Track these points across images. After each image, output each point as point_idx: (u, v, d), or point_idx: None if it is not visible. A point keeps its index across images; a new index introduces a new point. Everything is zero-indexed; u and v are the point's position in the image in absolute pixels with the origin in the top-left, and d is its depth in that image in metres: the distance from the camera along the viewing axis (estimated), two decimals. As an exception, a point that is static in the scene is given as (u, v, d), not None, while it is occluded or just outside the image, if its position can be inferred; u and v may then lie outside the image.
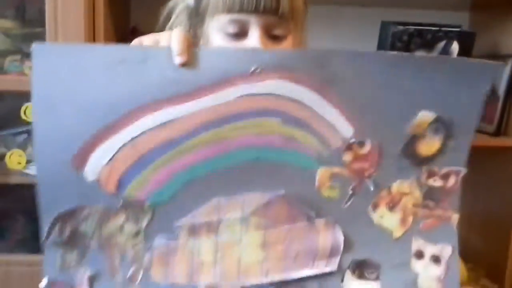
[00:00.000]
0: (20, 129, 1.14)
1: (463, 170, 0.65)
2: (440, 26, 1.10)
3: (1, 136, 1.15)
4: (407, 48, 1.07)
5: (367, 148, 0.60)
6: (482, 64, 0.63)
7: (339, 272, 0.62)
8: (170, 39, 0.55)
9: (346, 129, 0.59)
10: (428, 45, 1.08)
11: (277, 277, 0.61)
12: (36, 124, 0.53)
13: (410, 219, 0.65)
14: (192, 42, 0.55)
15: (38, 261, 1.03)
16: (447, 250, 0.65)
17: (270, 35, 0.70)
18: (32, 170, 1.08)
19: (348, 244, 0.61)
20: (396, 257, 0.63)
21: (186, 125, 0.55)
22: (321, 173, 0.60)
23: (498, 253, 1.20)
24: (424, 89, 0.60)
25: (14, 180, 1.09)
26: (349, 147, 0.59)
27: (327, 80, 0.56)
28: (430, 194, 0.65)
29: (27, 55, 1.07)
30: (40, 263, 1.07)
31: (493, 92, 1.25)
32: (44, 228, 0.58)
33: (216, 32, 0.70)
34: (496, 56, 1.27)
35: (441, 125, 0.62)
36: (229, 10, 0.68)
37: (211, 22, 0.71)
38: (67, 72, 0.52)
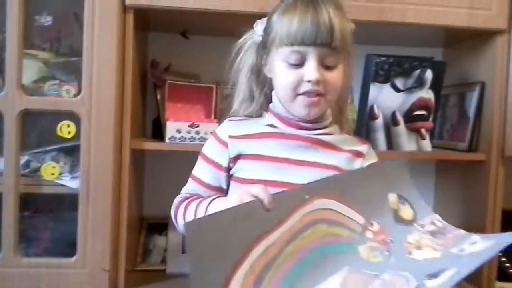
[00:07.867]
0: (52, 147, 1.25)
1: (436, 216, 0.90)
2: (416, 57, 1.28)
3: (35, 153, 1.25)
4: (388, 75, 1.24)
5: (376, 226, 0.85)
6: (403, 163, 0.96)
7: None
8: (258, 194, 0.75)
9: (359, 219, 0.83)
10: (406, 73, 1.24)
11: None
12: (194, 267, 0.71)
13: (438, 247, 0.85)
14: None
15: (65, 264, 1.15)
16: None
17: (324, 65, 0.83)
18: (64, 181, 1.20)
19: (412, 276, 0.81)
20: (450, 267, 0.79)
21: (279, 245, 0.77)
22: (362, 250, 0.82)
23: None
24: (385, 182, 0.88)
25: (47, 190, 1.20)
26: (365, 228, 0.84)
27: (343, 192, 0.82)
28: (435, 234, 0.88)
29: (64, 81, 1.21)
30: (67, 265, 1.20)
31: (465, 114, 1.42)
32: None
33: (280, 61, 0.84)
34: (465, 83, 1.43)
35: (402, 199, 0.89)
36: (292, 43, 0.81)
37: (276, 53, 0.85)
38: (213, 237, 0.73)
